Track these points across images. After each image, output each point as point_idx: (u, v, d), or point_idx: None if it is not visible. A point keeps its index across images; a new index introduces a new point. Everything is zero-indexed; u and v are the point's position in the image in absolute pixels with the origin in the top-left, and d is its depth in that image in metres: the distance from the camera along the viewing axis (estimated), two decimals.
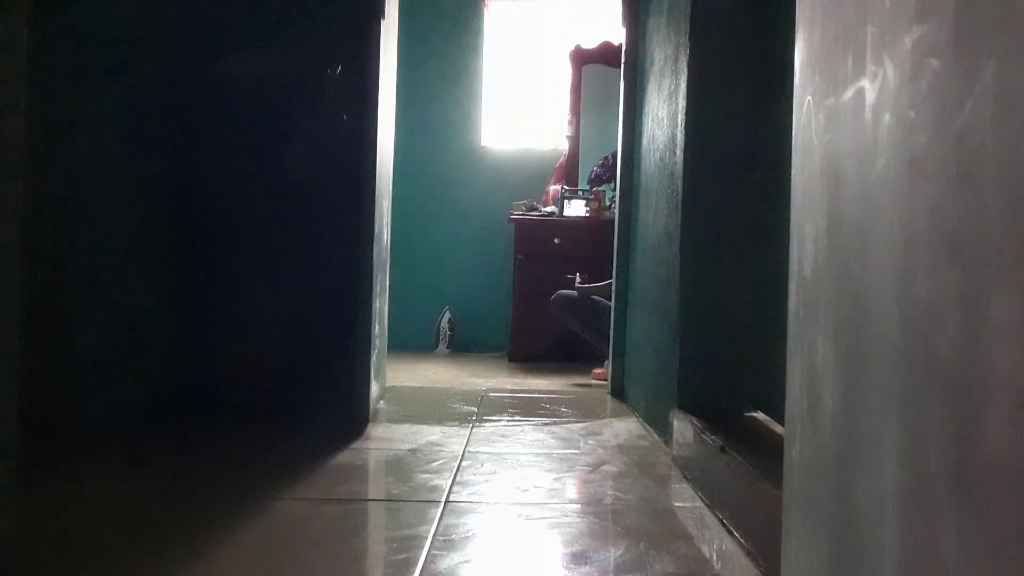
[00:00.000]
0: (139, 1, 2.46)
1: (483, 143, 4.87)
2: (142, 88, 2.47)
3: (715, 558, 1.43)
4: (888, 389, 0.72)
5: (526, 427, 2.52)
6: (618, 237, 3.26)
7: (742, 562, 1.39)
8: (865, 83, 0.78)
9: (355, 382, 2.41)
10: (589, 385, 3.56)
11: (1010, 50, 0.55)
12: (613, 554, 1.43)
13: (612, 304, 3.29)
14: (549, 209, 4.45)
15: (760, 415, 2.01)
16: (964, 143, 0.60)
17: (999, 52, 0.56)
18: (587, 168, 4.56)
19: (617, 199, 3.30)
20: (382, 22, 2.40)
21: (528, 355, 4.25)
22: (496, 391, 3.24)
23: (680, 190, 2.22)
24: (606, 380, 3.41)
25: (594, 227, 4.20)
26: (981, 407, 0.57)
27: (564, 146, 4.69)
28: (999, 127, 0.56)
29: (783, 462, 1.02)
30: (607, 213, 4.12)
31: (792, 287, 1.01)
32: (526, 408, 2.85)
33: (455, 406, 2.85)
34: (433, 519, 1.58)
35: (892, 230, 0.72)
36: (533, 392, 3.27)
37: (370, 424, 2.44)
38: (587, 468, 2.05)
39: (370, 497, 1.87)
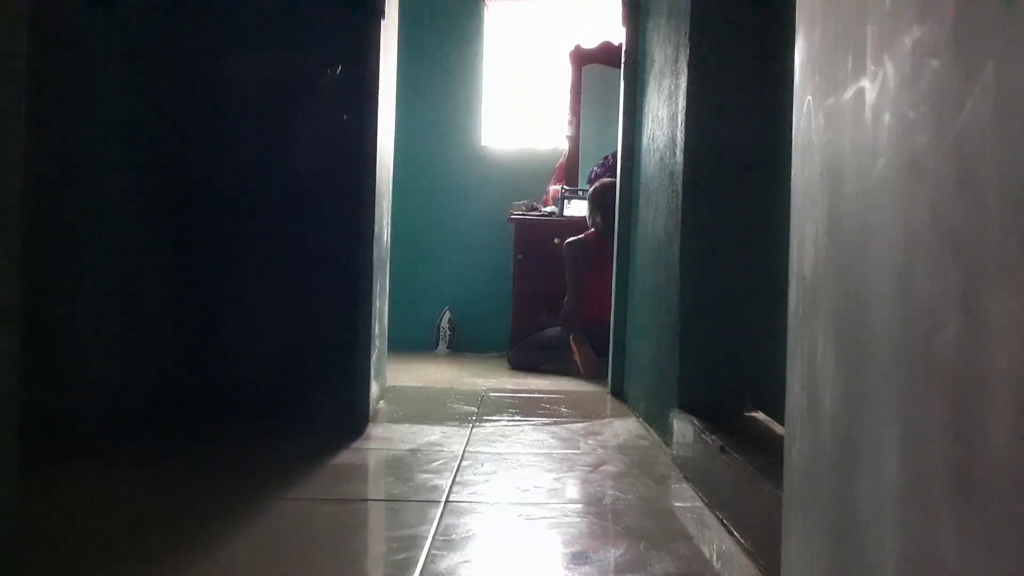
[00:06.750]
0: (140, 2, 2.46)
1: (483, 143, 4.87)
2: (142, 88, 2.47)
3: (715, 558, 1.43)
4: (888, 389, 0.72)
5: (526, 427, 2.52)
6: (618, 237, 3.26)
7: (742, 562, 1.39)
8: (865, 83, 0.78)
9: (355, 382, 2.41)
10: (583, 377, 3.62)
11: (1010, 50, 0.55)
12: (613, 554, 1.43)
13: (613, 319, 3.30)
14: (549, 209, 4.45)
15: (760, 415, 2.01)
16: (964, 143, 0.60)
17: (999, 52, 0.56)
18: (587, 168, 4.56)
19: (617, 199, 3.30)
20: (382, 22, 2.40)
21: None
22: (496, 391, 3.24)
23: (680, 190, 2.22)
24: (585, 359, 3.67)
25: None
26: (981, 407, 0.57)
27: (564, 146, 4.69)
28: (999, 127, 0.56)
29: (783, 462, 1.02)
30: None
31: (792, 287, 1.01)
32: (526, 408, 2.85)
33: (455, 406, 2.85)
34: (433, 519, 1.58)
35: (892, 230, 0.72)
36: (533, 392, 3.27)
37: (370, 424, 2.44)
38: (587, 468, 2.04)
39: (370, 497, 1.87)
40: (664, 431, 2.27)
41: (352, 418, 2.39)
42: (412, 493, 1.78)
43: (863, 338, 0.78)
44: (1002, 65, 0.55)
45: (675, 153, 2.32)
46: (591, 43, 4.63)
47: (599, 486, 1.89)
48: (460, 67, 4.85)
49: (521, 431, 2.45)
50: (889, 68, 0.73)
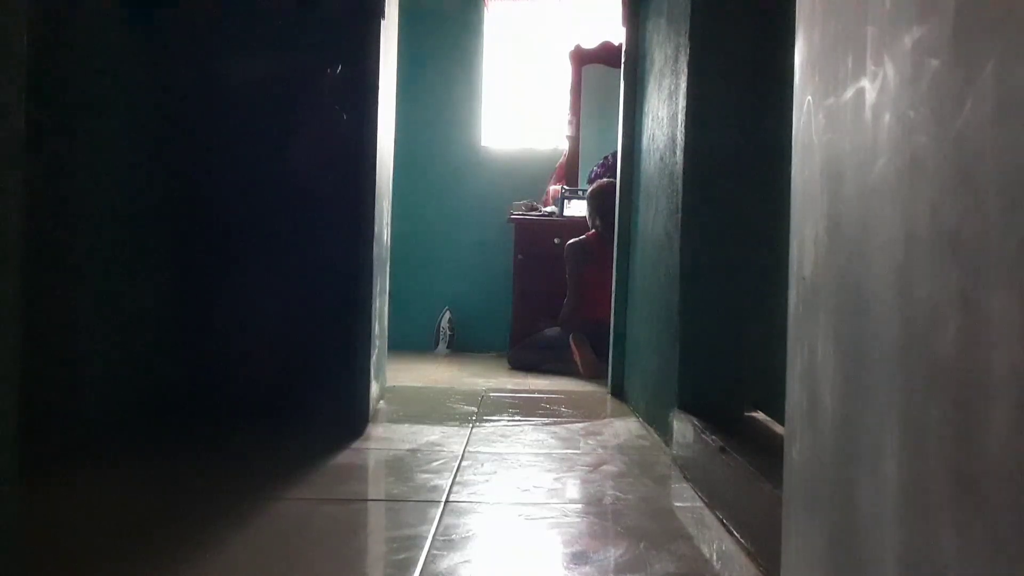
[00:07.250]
0: (140, 1, 2.46)
1: (483, 143, 4.87)
2: (141, 89, 2.47)
3: (715, 558, 1.43)
4: (888, 389, 0.72)
5: (526, 427, 2.52)
6: (618, 237, 3.26)
7: (742, 562, 1.39)
8: (865, 83, 0.78)
9: (355, 382, 2.41)
10: (583, 377, 3.63)
11: (1010, 50, 0.55)
12: (613, 554, 1.43)
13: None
14: (549, 209, 4.45)
15: (760, 415, 2.01)
16: (964, 143, 0.60)
17: (999, 52, 0.56)
18: (587, 168, 4.56)
19: (617, 199, 3.30)
20: (382, 22, 2.39)
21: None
22: (496, 391, 3.24)
23: (680, 190, 2.22)
24: (585, 359, 3.67)
25: None
26: (981, 407, 0.57)
27: (564, 146, 4.69)
28: (999, 127, 0.56)
29: (783, 462, 1.02)
30: None
31: (792, 287, 1.01)
32: (526, 408, 2.85)
33: (455, 406, 2.85)
34: (433, 519, 1.58)
35: (892, 230, 0.72)
36: (533, 392, 3.27)
37: (370, 424, 2.44)
38: (587, 468, 2.04)
39: (370, 497, 1.87)
40: (664, 431, 2.27)
41: (352, 418, 2.39)
42: (412, 493, 1.78)
43: (863, 338, 0.78)
44: (1002, 65, 0.55)
45: (675, 153, 2.32)
46: (591, 43, 4.63)
47: (599, 486, 1.89)
48: (460, 67, 4.85)
49: (521, 431, 2.45)
50: (889, 68, 0.73)
